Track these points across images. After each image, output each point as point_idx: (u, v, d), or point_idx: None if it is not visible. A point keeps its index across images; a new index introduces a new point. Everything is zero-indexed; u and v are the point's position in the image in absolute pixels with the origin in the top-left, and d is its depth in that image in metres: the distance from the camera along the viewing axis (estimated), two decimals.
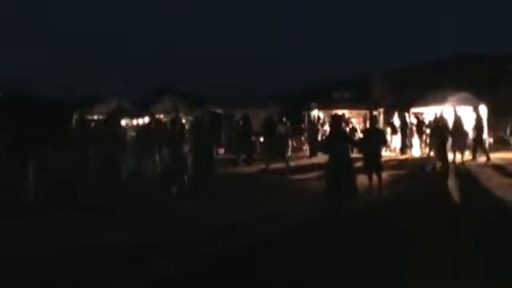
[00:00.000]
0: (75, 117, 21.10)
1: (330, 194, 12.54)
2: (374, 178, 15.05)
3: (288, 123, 29.02)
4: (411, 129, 28.27)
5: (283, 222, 11.24)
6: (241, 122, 26.25)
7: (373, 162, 15.17)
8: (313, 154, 27.58)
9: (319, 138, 28.27)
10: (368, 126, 16.70)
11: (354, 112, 31.77)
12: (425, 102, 28.38)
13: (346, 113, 29.62)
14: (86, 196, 13.65)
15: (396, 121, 28.87)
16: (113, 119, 15.28)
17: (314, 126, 30.16)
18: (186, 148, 15.58)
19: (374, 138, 15.46)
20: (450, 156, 22.11)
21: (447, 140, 20.69)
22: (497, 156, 24.15)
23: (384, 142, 17.29)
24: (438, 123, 21.43)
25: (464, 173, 19.39)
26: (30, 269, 7.92)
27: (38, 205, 12.71)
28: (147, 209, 12.78)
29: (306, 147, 30.40)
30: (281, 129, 22.77)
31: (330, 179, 12.75)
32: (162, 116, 28.16)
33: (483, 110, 27.05)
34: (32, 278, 7.54)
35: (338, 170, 12.56)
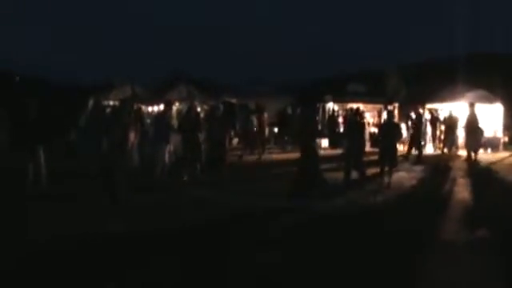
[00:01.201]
0: (91, 102, 21.16)
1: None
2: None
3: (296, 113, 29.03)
4: (425, 124, 28.16)
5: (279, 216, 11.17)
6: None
7: (387, 157, 15.21)
8: (332, 145, 27.75)
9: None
10: (384, 120, 16.72)
11: (369, 106, 31.65)
12: (441, 98, 28.23)
13: (361, 106, 29.56)
14: (94, 181, 13.73)
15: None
16: (125, 106, 15.26)
17: (333, 118, 30.14)
18: (201, 136, 15.67)
19: (390, 133, 15.48)
20: (462, 153, 22.19)
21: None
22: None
23: (400, 137, 17.33)
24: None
25: (473, 171, 19.34)
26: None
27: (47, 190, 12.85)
28: (156, 195, 12.97)
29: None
30: (253, 120, 23.08)
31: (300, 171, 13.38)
32: (177, 104, 28.26)
33: (499, 108, 26.97)
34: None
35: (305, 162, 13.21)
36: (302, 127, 14.50)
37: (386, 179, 15.05)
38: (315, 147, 14.44)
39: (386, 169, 15.18)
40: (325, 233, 9.60)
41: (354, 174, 15.03)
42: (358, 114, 16.12)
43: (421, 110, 24.36)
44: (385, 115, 23.78)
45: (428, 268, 7.56)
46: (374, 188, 14.53)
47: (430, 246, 8.73)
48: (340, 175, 15.46)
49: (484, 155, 23.95)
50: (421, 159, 21.16)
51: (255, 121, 24.05)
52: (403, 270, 7.48)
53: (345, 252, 8.32)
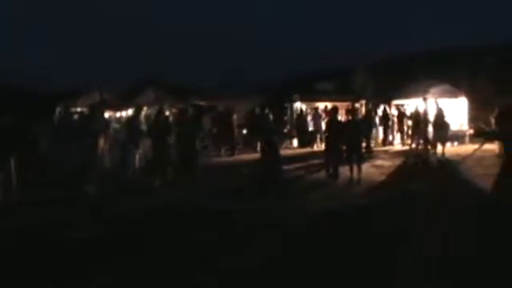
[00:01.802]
0: (58, 109, 21.09)
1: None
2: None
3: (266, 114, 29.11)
4: (392, 120, 28.56)
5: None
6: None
7: (353, 154, 15.48)
8: (302, 145, 28.19)
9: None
10: (349, 117, 17.10)
11: (337, 104, 31.84)
12: (406, 94, 28.61)
13: (329, 105, 29.73)
14: (67, 187, 13.77)
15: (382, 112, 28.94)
16: (94, 112, 15.34)
17: (301, 117, 30.30)
18: (171, 140, 15.73)
19: (355, 130, 15.78)
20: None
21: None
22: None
23: (365, 133, 17.66)
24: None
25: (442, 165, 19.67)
26: None
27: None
28: (127, 200, 13.05)
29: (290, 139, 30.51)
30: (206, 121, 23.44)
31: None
32: (145, 108, 28.22)
33: (464, 101, 27.51)
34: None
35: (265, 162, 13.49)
36: (262, 127, 14.73)
37: (355, 176, 15.28)
38: (276, 147, 14.64)
39: (355, 165, 15.42)
40: (294, 232, 9.74)
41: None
42: (336, 112, 16.47)
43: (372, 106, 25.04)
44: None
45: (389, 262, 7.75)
46: (345, 185, 14.81)
47: (400, 243, 8.91)
48: (309, 173, 15.67)
49: (451, 148, 24.39)
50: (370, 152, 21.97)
51: (209, 122, 24.31)
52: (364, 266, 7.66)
53: (312, 251, 8.47)
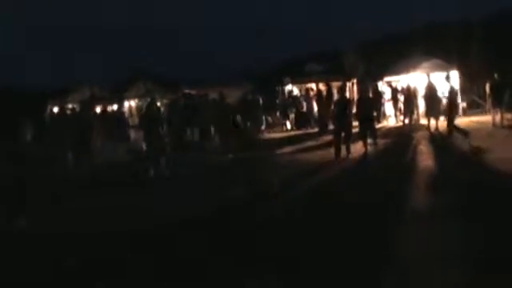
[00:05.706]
0: (50, 107, 20.97)
1: None
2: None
3: (256, 99, 28.96)
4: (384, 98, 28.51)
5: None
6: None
7: (367, 129, 15.93)
8: (297, 128, 28.22)
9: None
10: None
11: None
12: (397, 71, 28.53)
13: (320, 85, 29.66)
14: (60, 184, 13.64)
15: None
16: (87, 107, 15.28)
17: (296, 100, 30.21)
18: (163, 131, 15.64)
19: (368, 106, 16.15)
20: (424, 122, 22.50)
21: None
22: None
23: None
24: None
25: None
26: None
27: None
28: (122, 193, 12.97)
29: (283, 122, 30.40)
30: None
31: None
32: (136, 101, 28.19)
33: (455, 75, 27.46)
34: None
35: None
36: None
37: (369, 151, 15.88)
38: None
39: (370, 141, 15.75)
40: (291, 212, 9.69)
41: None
42: (344, 91, 16.75)
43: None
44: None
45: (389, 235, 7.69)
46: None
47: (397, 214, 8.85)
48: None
49: (445, 122, 24.30)
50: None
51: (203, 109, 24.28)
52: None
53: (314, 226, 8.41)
